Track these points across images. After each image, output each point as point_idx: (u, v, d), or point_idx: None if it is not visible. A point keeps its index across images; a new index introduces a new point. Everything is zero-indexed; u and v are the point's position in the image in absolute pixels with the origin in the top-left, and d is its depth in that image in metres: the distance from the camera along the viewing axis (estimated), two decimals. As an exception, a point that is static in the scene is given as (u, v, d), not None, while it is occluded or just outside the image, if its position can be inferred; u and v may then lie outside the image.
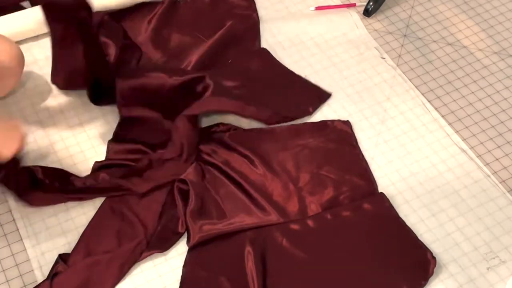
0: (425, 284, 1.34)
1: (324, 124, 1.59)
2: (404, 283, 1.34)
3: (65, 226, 1.43)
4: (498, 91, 1.70)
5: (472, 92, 1.70)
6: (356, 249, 1.39)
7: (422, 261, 1.37)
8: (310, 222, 1.42)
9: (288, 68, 1.72)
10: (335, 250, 1.39)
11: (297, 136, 1.57)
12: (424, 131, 1.61)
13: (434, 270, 1.35)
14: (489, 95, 1.69)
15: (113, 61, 1.62)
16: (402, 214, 1.46)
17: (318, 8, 1.86)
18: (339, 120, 1.60)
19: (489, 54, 1.78)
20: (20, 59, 1.52)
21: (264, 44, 1.77)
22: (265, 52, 1.73)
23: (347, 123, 1.60)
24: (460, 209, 1.47)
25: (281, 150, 1.54)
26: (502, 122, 1.64)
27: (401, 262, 1.37)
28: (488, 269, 1.38)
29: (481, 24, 1.85)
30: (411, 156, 1.56)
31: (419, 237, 1.42)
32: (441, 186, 1.51)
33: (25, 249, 1.40)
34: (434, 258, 1.37)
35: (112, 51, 1.64)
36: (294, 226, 1.42)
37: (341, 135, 1.58)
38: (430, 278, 1.36)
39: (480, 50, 1.79)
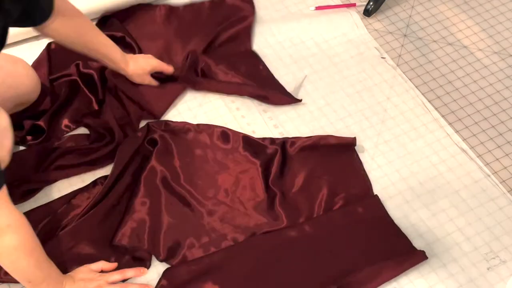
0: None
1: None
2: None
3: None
4: (498, 91, 1.70)
5: (472, 92, 1.69)
6: (349, 253, 1.39)
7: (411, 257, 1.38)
8: (306, 227, 1.42)
9: (288, 67, 1.72)
10: (329, 254, 1.38)
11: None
12: (424, 131, 1.61)
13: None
14: (489, 95, 1.69)
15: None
16: (402, 214, 1.46)
17: (318, 8, 1.86)
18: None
19: (489, 54, 1.78)
20: (36, 91, 1.52)
21: (264, 43, 1.77)
22: (254, 55, 1.74)
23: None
24: (460, 209, 1.47)
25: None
26: (502, 122, 1.64)
27: (393, 264, 1.37)
28: (488, 269, 1.38)
29: (481, 24, 1.85)
30: (411, 156, 1.56)
31: (419, 237, 1.42)
32: (441, 186, 1.51)
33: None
34: (426, 257, 1.38)
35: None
36: (290, 232, 1.41)
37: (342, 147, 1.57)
38: (431, 279, 1.36)
39: (480, 50, 1.79)
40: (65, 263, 1.33)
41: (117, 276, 1.32)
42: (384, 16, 1.86)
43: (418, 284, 1.35)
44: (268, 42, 1.77)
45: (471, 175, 1.53)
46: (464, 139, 1.60)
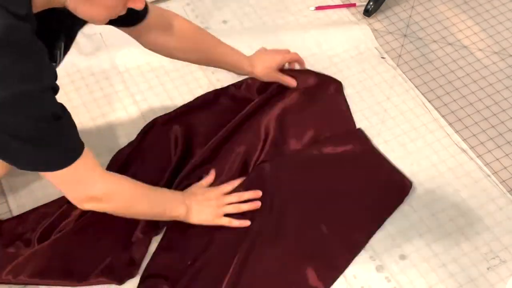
0: (400, 203, 1.45)
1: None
2: (384, 212, 1.43)
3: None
4: (498, 91, 1.70)
5: (472, 92, 1.70)
6: (339, 184, 1.47)
7: (400, 186, 1.48)
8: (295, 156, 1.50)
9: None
10: (320, 183, 1.46)
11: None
12: (424, 131, 1.61)
13: (410, 192, 1.47)
14: (489, 95, 1.69)
15: None
16: (402, 214, 1.46)
17: (318, 8, 1.86)
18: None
19: (489, 54, 1.78)
20: None
21: (264, 44, 1.77)
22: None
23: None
24: (460, 209, 1.47)
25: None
26: (502, 122, 1.64)
27: (381, 193, 1.46)
28: (488, 269, 1.38)
29: (481, 24, 1.85)
30: (411, 156, 1.56)
31: (419, 237, 1.42)
32: (441, 186, 1.51)
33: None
34: (410, 183, 1.48)
35: None
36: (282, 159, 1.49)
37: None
38: (431, 279, 1.36)
39: (480, 50, 1.79)
40: (66, 263, 1.33)
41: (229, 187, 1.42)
42: (384, 16, 1.86)
43: (418, 284, 1.36)
44: (269, 42, 1.77)
45: (471, 175, 1.53)
46: (464, 139, 1.60)
